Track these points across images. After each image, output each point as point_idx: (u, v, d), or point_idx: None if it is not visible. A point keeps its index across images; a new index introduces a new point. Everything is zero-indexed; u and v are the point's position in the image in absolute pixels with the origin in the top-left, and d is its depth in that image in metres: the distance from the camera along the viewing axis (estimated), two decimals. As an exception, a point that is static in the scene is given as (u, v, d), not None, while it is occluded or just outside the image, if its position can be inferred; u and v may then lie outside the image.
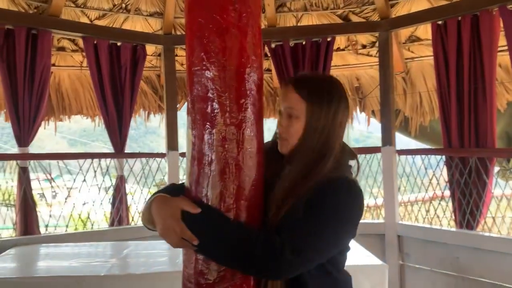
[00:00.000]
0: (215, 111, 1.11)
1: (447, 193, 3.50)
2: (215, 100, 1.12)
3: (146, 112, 4.40)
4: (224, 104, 1.12)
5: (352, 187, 1.15)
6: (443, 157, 3.47)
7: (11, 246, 3.06)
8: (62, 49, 3.94)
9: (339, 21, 4.06)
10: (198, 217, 1.06)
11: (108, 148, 3.89)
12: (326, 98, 1.19)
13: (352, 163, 1.26)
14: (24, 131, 3.33)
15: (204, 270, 1.08)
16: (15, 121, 3.30)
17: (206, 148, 1.12)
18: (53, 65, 3.81)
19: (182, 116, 4.48)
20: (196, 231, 1.05)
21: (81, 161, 3.67)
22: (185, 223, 1.05)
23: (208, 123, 1.12)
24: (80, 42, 3.79)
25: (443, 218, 3.59)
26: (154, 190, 4.27)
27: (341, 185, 1.14)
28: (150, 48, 4.10)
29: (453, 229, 3.38)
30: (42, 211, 3.48)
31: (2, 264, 2.72)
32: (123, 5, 3.94)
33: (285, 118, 1.22)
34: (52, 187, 3.66)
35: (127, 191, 3.89)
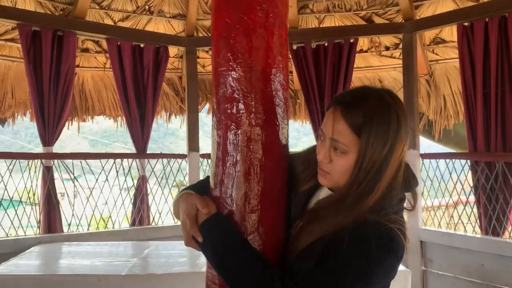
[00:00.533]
0: (241, 111, 1.10)
1: (472, 198, 3.42)
2: (241, 101, 1.11)
3: (168, 113, 4.44)
4: (249, 105, 1.10)
5: (388, 238, 0.97)
6: (468, 161, 3.39)
7: (35, 244, 3.12)
8: (86, 50, 4.01)
9: (362, 22, 4.02)
10: (210, 219, 1.05)
11: (129, 149, 3.94)
12: (383, 130, 0.98)
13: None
14: (49, 131, 3.39)
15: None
16: (40, 121, 3.37)
17: (231, 148, 1.11)
18: (77, 66, 3.87)
19: (203, 118, 4.50)
20: (203, 233, 1.04)
21: (103, 161, 3.72)
22: (197, 222, 1.05)
23: (233, 124, 1.11)
24: (104, 44, 3.84)
25: (468, 224, 3.51)
26: (174, 190, 4.30)
27: (376, 234, 0.96)
28: (172, 50, 4.13)
29: (478, 235, 3.30)
30: (64, 210, 3.54)
31: (26, 261, 2.77)
32: (147, 7, 3.98)
33: (328, 148, 1.03)
34: (74, 186, 3.71)
35: (148, 191, 3.92)
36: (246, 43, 1.11)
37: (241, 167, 1.09)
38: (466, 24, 3.31)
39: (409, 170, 1.08)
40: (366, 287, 0.98)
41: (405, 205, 1.08)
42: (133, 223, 3.80)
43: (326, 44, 3.80)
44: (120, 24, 3.94)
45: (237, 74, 1.11)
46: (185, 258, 2.90)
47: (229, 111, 1.12)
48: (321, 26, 4.11)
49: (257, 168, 1.10)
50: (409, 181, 1.07)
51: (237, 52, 1.11)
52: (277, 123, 1.14)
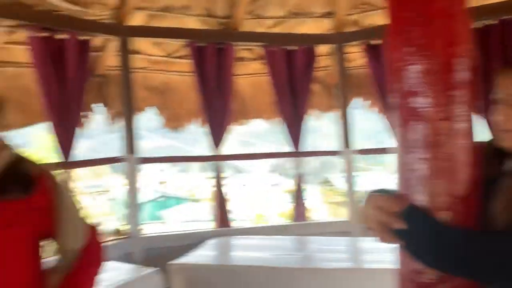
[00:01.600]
0: (424, 105, 1.08)
1: None
2: (423, 94, 1.08)
3: (319, 111, 4.49)
4: (433, 98, 1.07)
5: None
6: None
7: (211, 237, 3.47)
8: (241, 59, 4.29)
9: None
10: (409, 206, 1.02)
11: (276, 148, 4.11)
12: None
13: None
14: (216, 135, 3.75)
15: (423, 268, 1.05)
16: (208, 126, 3.74)
17: (415, 145, 1.09)
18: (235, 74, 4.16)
19: (354, 113, 4.45)
20: (405, 218, 1.02)
21: (262, 161, 3.96)
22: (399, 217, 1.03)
23: (416, 119, 1.09)
24: (257, 51, 4.07)
25: None
26: (328, 187, 4.36)
27: None
28: (321, 48, 4.18)
29: None
30: (232, 207, 3.86)
31: (205, 252, 3.10)
32: (295, 10, 4.09)
33: (508, 106, 1.06)
34: (238, 185, 4.02)
35: (303, 188, 4.04)
36: (426, 33, 1.08)
37: (427, 163, 1.07)
38: None
39: None
40: None
41: None
42: (292, 219, 3.96)
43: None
44: (272, 30, 4.13)
45: (417, 67, 1.08)
46: (347, 254, 2.93)
47: (411, 105, 1.09)
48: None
49: (445, 164, 1.06)
50: None
51: (416, 44, 1.09)
52: (464, 115, 1.08)
